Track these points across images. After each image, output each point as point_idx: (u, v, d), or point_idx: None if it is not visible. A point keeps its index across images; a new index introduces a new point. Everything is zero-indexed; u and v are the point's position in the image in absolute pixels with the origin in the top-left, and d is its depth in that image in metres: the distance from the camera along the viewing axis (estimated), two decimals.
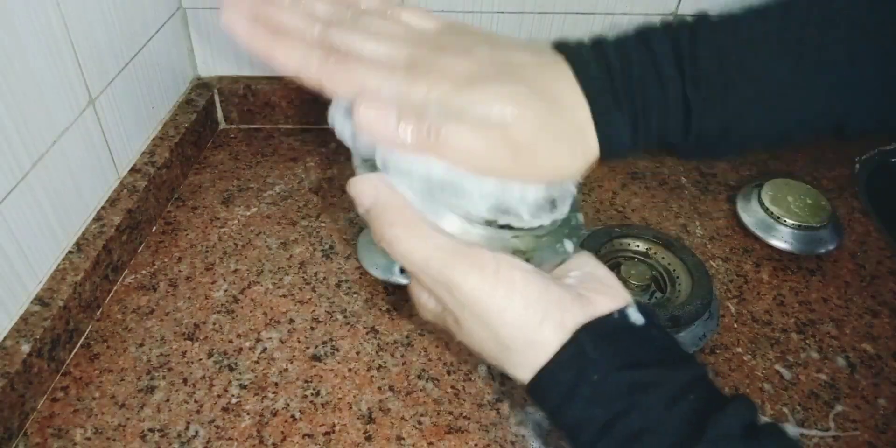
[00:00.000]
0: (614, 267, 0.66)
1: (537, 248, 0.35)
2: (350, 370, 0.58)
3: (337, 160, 0.82)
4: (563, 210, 0.36)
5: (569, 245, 0.37)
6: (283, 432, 0.53)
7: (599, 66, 0.33)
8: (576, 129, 0.33)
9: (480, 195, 0.33)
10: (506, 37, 0.37)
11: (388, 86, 0.33)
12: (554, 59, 0.34)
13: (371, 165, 0.34)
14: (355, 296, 0.65)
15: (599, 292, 0.34)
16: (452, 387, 0.57)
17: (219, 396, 0.55)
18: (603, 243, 0.68)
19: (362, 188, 0.34)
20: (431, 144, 0.31)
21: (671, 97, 0.33)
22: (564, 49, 0.34)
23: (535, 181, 0.34)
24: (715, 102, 0.33)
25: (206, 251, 0.68)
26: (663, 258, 0.67)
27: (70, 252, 0.58)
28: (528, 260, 0.34)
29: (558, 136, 0.32)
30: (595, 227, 0.72)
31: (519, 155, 0.32)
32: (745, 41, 0.34)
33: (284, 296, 0.64)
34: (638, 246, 0.69)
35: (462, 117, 0.31)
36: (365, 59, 0.34)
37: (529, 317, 0.32)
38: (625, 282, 0.63)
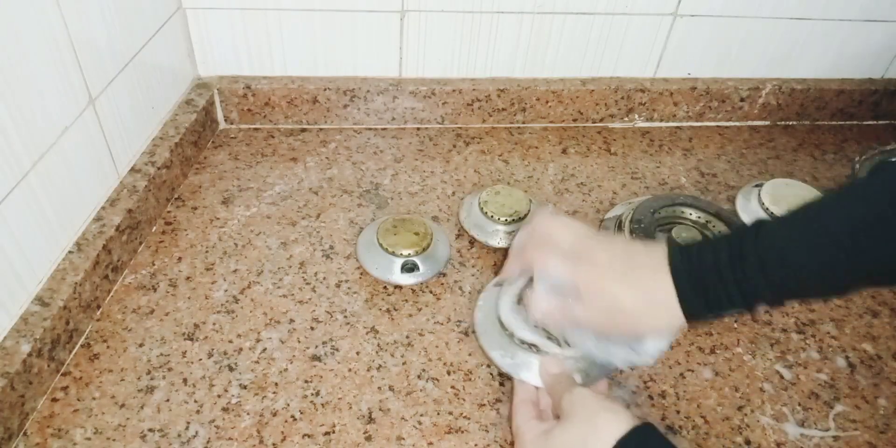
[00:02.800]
0: (667, 229, 0.71)
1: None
2: (350, 370, 0.58)
3: (337, 160, 0.82)
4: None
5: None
6: (283, 432, 0.53)
7: (688, 271, 0.47)
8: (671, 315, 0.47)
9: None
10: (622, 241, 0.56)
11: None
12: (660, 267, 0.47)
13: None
14: (355, 296, 0.65)
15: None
16: (452, 387, 0.57)
17: (219, 396, 0.55)
18: (664, 206, 0.72)
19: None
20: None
21: (729, 293, 0.46)
22: (671, 257, 0.48)
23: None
24: (763, 290, 0.45)
25: (206, 251, 0.68)
26: (720, 232, 0.71)
27: (70, 252, 0.58)
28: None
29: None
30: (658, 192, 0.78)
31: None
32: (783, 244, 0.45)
33: (284, 296, 0.64)
34: (698, 217, 0.73)
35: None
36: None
37: None
38: (673, 242, 0.67)
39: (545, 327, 0.55)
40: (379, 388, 0.57)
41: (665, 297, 0.46)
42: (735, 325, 0.65)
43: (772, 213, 0.74)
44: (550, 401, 0.53)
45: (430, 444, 0.53)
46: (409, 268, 0.65)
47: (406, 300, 0.65)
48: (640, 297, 0.47)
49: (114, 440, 0.51)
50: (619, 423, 0.44)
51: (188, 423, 0.53)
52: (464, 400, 0.56)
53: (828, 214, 0.45)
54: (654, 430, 0.45)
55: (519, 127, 0.91)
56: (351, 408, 0.55)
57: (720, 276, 0.45)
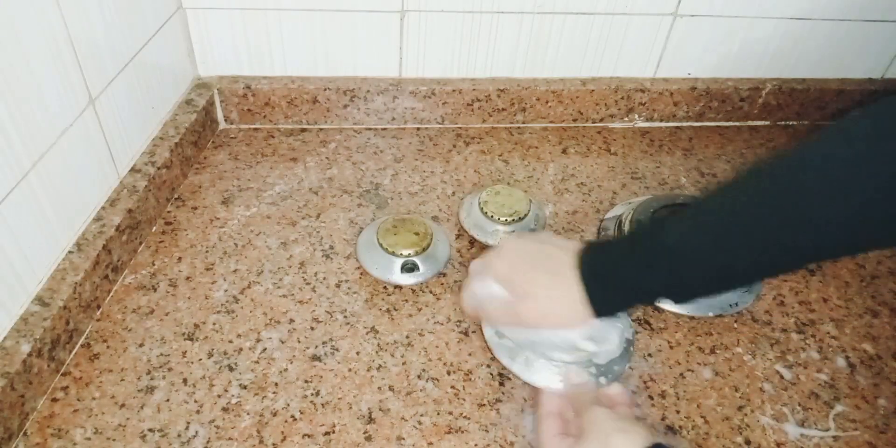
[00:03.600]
0: None
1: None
2: (350, 370, 0.58)
3: (337, 160, 0.82)
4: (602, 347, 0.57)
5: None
6: (283, 432, 0.53)
7: (592, 262, 0.53)
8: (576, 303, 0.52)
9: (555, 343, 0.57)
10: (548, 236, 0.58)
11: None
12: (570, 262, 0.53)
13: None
14: (355, 296, 0.65)
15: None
16: (452, 387, 0.57)
17: (219, 396, 0.55)
18: (664, 206, 0.72)
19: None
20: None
21: (635, 282, 0.51)
22: (581, 255, 0.53)
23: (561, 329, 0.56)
24: (674, 280, 0.50)
25: (206, 251, 0.68)
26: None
27: (70, 252, 0.58)
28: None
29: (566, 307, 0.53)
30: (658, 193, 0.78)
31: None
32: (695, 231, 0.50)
33: (284, 296, 0.64)
34: None
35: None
36: None
37: None
38: None
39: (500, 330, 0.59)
40: (379, 388, 0.57)
41: (575, 300, 0.52)
42: (735, 325, 0.65)
43: None
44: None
45: (430, 444, 0.53)
46: (409, 268, 0.65)
47: (406, 300, 0.65)
48: (554, 301, 0.53)
49: (114, 440, 0.51)
50: (633, 446, 0.44)
51: (188, 423, 0.53)
52: (464, 400, 0.56)
53: (715, 207, 0.49)
54: None
55: (519, 127, 0.91)
56: (351, 408, 0.55)
57: (621, 277, 0.51)
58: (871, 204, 0.42)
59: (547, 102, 0.89)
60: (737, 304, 0.66)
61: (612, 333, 0.58)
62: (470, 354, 0.60)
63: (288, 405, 0.55)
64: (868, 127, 0.44)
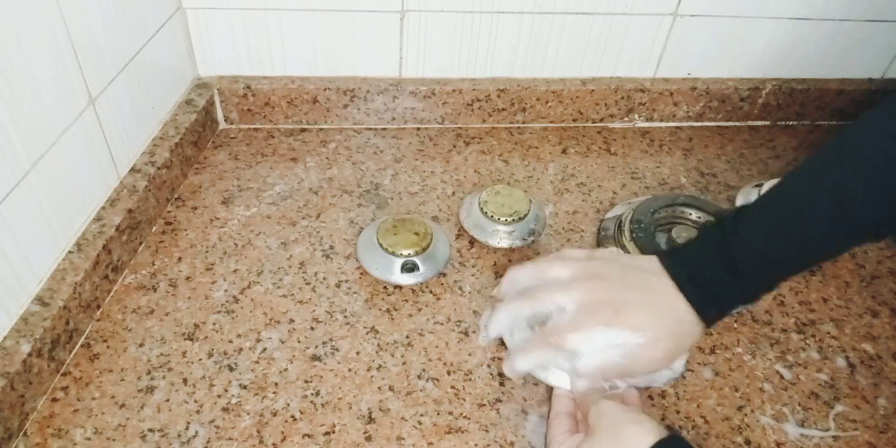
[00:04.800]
0: (667, 229, 0.71)
1: None
2: (350, 370, 0.58)
3: (337, 160, 0.82)
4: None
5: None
6: (283, 432, 0.53)
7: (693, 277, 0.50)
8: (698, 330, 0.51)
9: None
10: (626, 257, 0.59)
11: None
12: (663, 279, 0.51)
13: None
14: (355, 296, 0.65)
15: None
16: (452, 387, 0.57)
17: (219, 396, 0.55)
18: (664, 206, 0.72)
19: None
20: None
21: (730, 284, 0.50)
22: (668, 266, 0.51)
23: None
24: (760, 282, 0.51)
25: (206, 251, 0.68)
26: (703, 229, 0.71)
27: (70, 252, 0.58)
28: None
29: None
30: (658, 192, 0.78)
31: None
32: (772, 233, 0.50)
33: (284, 296, 0.64)
34: (698, 217, 0.72)
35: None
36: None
37: None
38: (672, 242, 0.68)
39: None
40: (379, 388, 0.57)
41: (689, 319, 0.50)
42: (735, 325, 0.65)
43: None
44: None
45: (430, 444, 0.53)
46: (409, 268, 0.65)
47: (406, 300, 0.65)
48: (676, 332, 0.49)
49: (114, 440, 0.51)
50: (646, 436, 0.43)
51: (188, 423, 0.53)
52: (464, 400, 0.56)
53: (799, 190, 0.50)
54: (683, 441, 0.45)
55: (519, 127, 0.91)
56: (351, 408, 0.55)
57: (722, 281, 0.49)
58: None
59: (547, 102, 0.89)
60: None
61: None
62: (470, 354, 0.60)
63: (288, 405, 0.55)
64: None
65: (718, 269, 0.49)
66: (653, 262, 0.52)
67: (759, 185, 0.78)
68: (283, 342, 0.60)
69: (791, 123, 0.98)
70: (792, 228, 0.49)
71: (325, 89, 0.84)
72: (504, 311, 0.53)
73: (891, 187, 0.47)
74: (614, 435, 0.45)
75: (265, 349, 0.59)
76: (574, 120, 0.92)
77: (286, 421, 0.54)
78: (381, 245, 0.65)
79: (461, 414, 0.55)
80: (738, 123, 0.96)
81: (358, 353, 0.59)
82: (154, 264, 0.66)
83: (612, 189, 0.81)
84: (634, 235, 0.68)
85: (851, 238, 0.51)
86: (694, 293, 0.49)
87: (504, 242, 0.70)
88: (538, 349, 0.51)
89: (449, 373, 0.58)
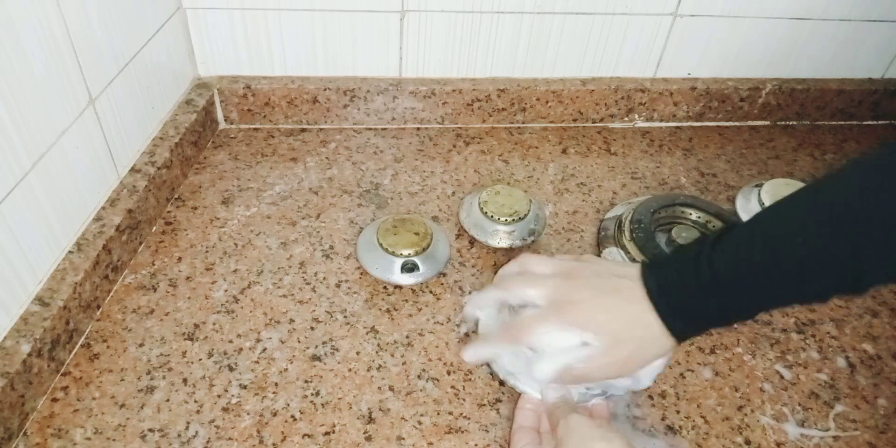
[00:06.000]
0: (667, 229, 0.72)
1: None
2: (350, 370, 0.58)
3: (337, 160, 0.82)
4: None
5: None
6: (283, 432, 0.53)
7: (664, 289, 0.49)
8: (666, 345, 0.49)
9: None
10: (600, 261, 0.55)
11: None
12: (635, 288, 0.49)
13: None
14: (355, 296, 0.65)
15: None
16: (452, 387, 0.57)
17: (219, 396, 0.55)
18: (663, 206, 0.72)
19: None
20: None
21: (702, 304, 0.48)
22: (645, 278, 0.49)
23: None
24: (734, 308, 0.48)
25: (206, 251, 0.68)
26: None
27: (70, 252, 0.58)
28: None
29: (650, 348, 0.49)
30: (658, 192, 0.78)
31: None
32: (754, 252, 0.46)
33: (284, 296, 0.64)
34: (698, 217, 0.73)
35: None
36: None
37: None
38: (672, 242, 0.69)
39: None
40: (379, 388, 0.57)
41: (656, 330, 0.48)
42: (735, 325, 0.65)
43: None
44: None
45: (430, 444, 0.53)
46: (409, 268, 0.65)
47: (406, 300, 0.65)
48: (636, 339, 0.48)
49: (114, 440, 0.51)
50: None
51: (188, 423, 0.53)
52: (464, 400, 0.56)
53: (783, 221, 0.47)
54: None
55: (519, 127, 0.91)
56: (351, 408, 0.55)
57: (693, 298, 0.48)
58: None
59: (547, 102, 0.89)
60: None
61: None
62: None
63: (288, 405, 0.55)
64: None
65: (692, 285, 0.48)
66: (633, 269, 0.51)
67: (759, 185, 0.78)
68: (283, 342, 0.60)
69: (791, 123, 0.98)
70: (765, 260, 0.46)
71: (325, 89, 0.84)
72: (477, 297, 0.55)
73: (861, 235, 0.43)
74: None
75: (265, 349, 0.59)
76: (574, 120, 0.92)
77: (286, 421, 0.54)
78: (381, 245, 0.65)
79: (461, 414, 0.55)
80: (738, 123, 0.96)
81: (358, 353, 0.59)
82: (154, 264, 0.66)
83: (612, 189, 0.81)
84: (634, 235, 0.68)
85: (824, 282, 0.45)
86: (663, 305, 0.48)
87: (504, 242, 0.70)
88: (497, 341, 0.52)
89: (449, 373, 0.58)
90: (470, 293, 0.66)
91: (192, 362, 0.57)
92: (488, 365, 0.59)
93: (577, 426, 0.46)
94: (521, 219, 0.70)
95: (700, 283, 0.47)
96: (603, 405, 0.54)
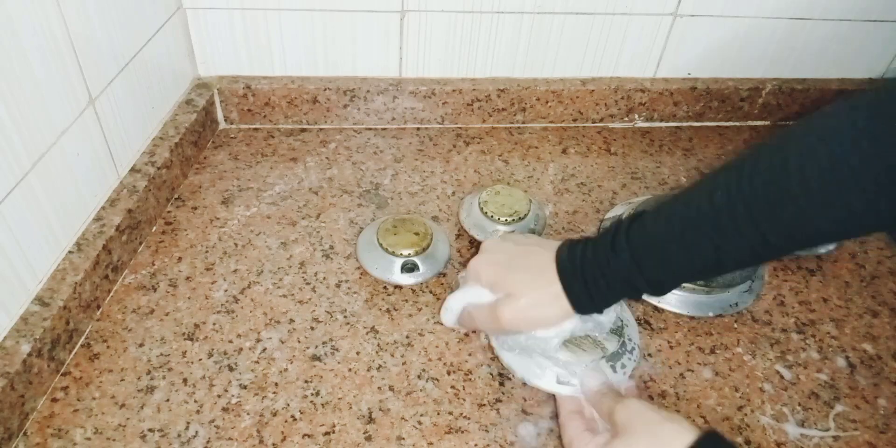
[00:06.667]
0: None
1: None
2: (350, 370, 0.58)
3: (337, 160, 0.82)
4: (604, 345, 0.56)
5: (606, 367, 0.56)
6: (283, 432, 0.53)
7: (571, 260, 0.52)
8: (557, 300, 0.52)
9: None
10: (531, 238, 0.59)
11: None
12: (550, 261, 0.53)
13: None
14: (355, 296, 0.65)
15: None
16: (452, 387, 0.57)
17: (219, 396, 0.55)
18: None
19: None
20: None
21: (612, 276, 0.50)
22: (560, 252, 0.53)
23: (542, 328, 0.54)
24: (644, 271, 0.50)
25: (206, 251, 0.68)
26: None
27: (70, 252, 0.58)
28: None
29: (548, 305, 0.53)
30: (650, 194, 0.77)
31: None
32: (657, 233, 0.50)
33: (284, 296, 0.64)
34: None
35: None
36: None
37: None
38: None
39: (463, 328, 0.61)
40: (379, 388, 0.57)
41: (556, 297, 0.52)
42: (735, 325, 0.65)
43: None
44: (594, 410, 0.52)
45: (430, 444, 0.53)
46: (409, 268, 0.65)
47: (406, 300, 0.65)
48: (536, 299, 0.52)
49: (114, 440, 0.51)
50: (685, 434, 0.43)
51: (188, 423, 0.53)
52: (464, 400, 0.56)
53: (685, 202, 0.49)
54: (721, 437, 0.44)
55: (519, 127, 0.91)
56: (351, 408, 0.55)
57: (601, 273, 0.50)
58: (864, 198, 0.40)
59: (547, 102, 0.89)
60: (737, 304, 0.66)
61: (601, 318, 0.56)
62: (470, 354, 0.60)
63: (288, 405, 0.55)
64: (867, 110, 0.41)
65: (596, 255, 0.51)
66: (554, 241, 0.55)
67: None
68: (283, 342, 0.60)
69: (791, 123, 0.98)
70: (671, 232, 0.48)
71: (325, 89, 0.84)
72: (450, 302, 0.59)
73: (775, 199, 0.43)
74: (652, 434, 0.44)
75: (265, 349, 0.59)
76: (574, 120, 0.92)
77: (286, 421, 0.54)
78: (381, 245, 0.65)
79: (461, 414, 0.55)
80: (738, 123, 0.96)
81: (358, 353, 0.59)
82: (154, 264, 0.66)
83: (612, 189, 0.81)
84: None
85: (735, 249, 0.47)
86: (564, 266, 0.52)
87: None
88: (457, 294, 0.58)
89: (449, 373, 0.58)
90: None
91: (192, 362, 0.57)
92: (503, 365, 0.59)
93: (638, 410, 0.47)
94: (521, 219, 0.70)
95: (604, 252, 0.51)
96: (633, 387, 0.55)
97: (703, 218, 0.46)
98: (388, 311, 0.63)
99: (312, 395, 0.56)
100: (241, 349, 0.59)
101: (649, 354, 0.62)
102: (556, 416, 0.55)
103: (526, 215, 0.70)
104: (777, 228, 0.44)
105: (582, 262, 0.51)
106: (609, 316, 0.55)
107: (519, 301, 0.52)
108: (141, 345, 0.58)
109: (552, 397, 0.56)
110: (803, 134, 0.43)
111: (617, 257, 0.50)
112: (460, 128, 0.90)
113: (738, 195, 0.44)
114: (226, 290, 0.64)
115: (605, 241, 0.51)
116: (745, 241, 0.45)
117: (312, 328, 0.61)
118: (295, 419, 0.54)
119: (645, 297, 0.65)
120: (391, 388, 0.57)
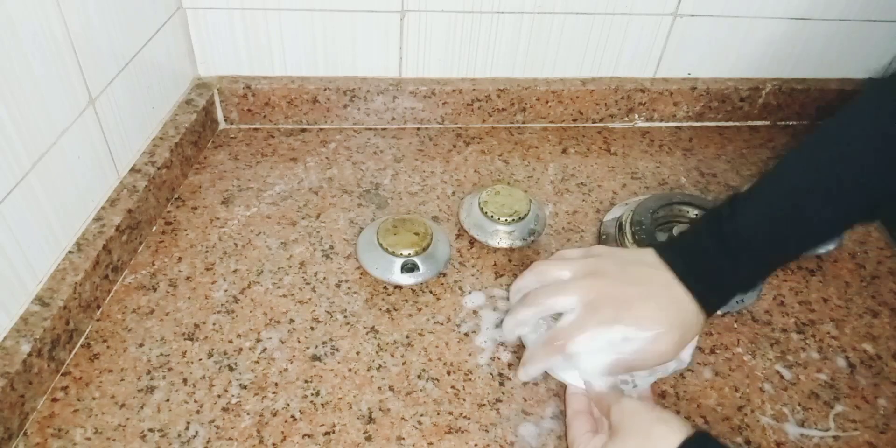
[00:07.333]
0: (668, 228, 0.72)
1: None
2: (350, 370, 0.58)
3: (337, 160, 0.82)
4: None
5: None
6: (283, 432, 0.53)
7: (691, 267, 0.51)
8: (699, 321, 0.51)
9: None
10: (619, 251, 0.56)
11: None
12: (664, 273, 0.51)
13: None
14: (355, 296, 0.65)
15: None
16: (452, 387, 0.57)
17: (219, 396, 0.55)
18: (662, 206, 0.72)
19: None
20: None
21: (728, 274, 0.51)
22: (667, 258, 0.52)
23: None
24: (757, 265, 0.51)
25: (206, 251, 0.68)
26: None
27: (70, 252, 0.58)
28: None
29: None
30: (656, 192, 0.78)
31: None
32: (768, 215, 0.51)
33: (284, 296, 0.64)
34: (696, 214, 0.73)
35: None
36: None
37: None
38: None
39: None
40: (379, 388, 0.57)
41: (691, 310, 0.49)
42: (735, 325, 0.65)
43: None
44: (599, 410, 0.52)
45: (430, 444, 0.53)
46: (409, 268, 0.65)
47: (406, 300, 0.65)
48: (679, 324, 0.49)
49: (114, 440, 0.51)
50: (674, 434, 0.43)
51: (188, 423, 0.53)
52: (464, 400, 0.56)
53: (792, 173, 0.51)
54: (710, 438, 0.44)
55: (519, 127, 0.91)
56: (351, 408, 0.55)
57: (719, 267, 0.50)
58: None
59: (547, 102, 0.89)
60: (737, 304, 0.66)
61: None
62: (470, 354, 0.60)
63: (288, 405, 0.55)
64: None
65: (716, 255, 0.50)
66: (650, 254, 0.52)
67: None
68: (283, 342, 0.60)
69: (791, 123, 0.98)
70: (786, 210, 0.49)
71: (325, 89, 0.84)
72: (510, 320, 0.54)
73: (882, 167, 0.47)
74: (642, 435, 0.44)
75: (265, 349, 0.59)
76: (574, 120, 0.92)
77: (286, 421, 0.54)
78: (381, 245, 0.65)
79: (461, 414, 0.55)
80: (738, 123, 0.96)
81: (358, 353, 0.59)
82: (154, 264, 0.66)
83: (612, 189, 0.81)
84: (637, 237, 0.68)
85: (845, 219, 0.52)
86: (693, 283, 0.50)
87: (504, 242, 0.70)
88: (545, 356, 0.51)
89: (449, 373, 0.58)
90: (470, 294, 0.66)
91: (192, 362, 0.57)
92: (500, 362, 0.59)
93: (632, 410, 0.47)
94: (521, 219, 0.70)
95: (724, 250, 0.50)
96: (647, 389, 0.55)
97: (812, 187, 0.49)
98: (388, 311, 0.63)
99: (312, 395, 0.56)
100: (241, 349, 0.59)
101: None
102: (556, 416, 0.56)
103: (526, 215, 0.70)
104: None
105: (702, 270, 0.51)
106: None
107: (672, 333, 0.49)
108: (141, 345, 0.58)
109: (552, 397, 0.56)
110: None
111: (729, 248, 0.50)
112: (460, 128, 0.90)
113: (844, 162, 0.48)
114: (226, 290, 0.64)
115: (709, 243, 0.51)
116: (854, 207, 0.49)
117: (312, 328, 0.61)
118: (295, 419, 0.54)
119: None
120: (391, 388, 0.57)
